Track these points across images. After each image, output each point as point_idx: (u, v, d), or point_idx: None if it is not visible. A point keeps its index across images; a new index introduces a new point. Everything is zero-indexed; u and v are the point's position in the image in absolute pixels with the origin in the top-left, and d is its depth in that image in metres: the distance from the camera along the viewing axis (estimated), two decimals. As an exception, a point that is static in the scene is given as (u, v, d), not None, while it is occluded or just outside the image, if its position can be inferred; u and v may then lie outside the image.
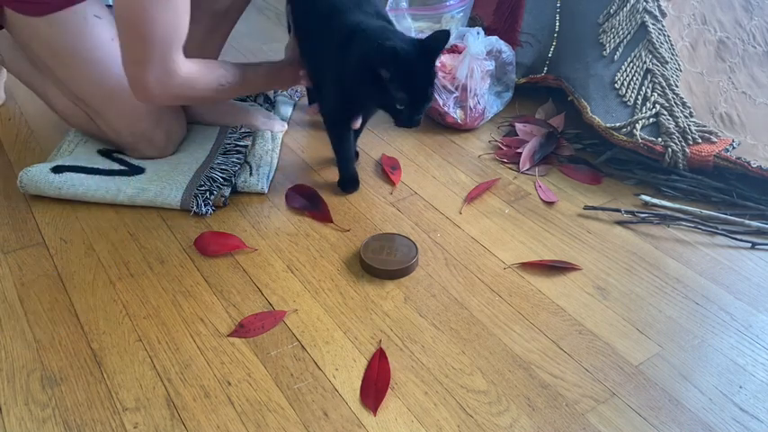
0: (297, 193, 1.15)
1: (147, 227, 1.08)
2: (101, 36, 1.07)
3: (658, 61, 1.24)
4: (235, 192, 1.16)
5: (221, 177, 1.14)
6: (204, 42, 1.20)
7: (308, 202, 1.14)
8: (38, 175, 1.11)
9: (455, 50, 1.38)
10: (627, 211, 1.11)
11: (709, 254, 1.04)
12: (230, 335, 0.89)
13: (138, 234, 1.07)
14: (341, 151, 1.16)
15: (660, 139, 1.17)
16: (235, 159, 1.18)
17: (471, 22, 1.53)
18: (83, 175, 1.12)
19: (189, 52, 1.17)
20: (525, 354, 0.87)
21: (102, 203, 1.12)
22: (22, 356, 0.86)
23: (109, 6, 1.19)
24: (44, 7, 1.02)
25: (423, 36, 1.47)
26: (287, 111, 1.41)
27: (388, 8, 1.48)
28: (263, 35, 1.80)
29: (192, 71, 1.00)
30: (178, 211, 1.12)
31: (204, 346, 0.88)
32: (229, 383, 0.82)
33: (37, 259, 1.01)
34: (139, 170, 1.15)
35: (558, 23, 1.41)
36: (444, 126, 1.37)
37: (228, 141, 1.23)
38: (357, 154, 1.24)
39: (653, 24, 1.27)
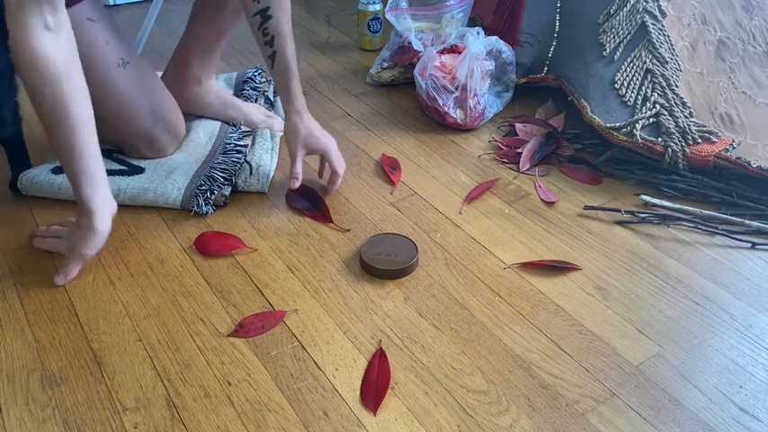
0: (297, 193, 1.15)
1: (147, 227, 1.08)
2: (94, 39, 1.07)
3: (658, 61, 1.24)
4: (235, 192, 1.16)
5: (221, 177, 1.14)
6: (210, 44, 1.20)
7: (308, 202, 1.14)
8: (38, 176, 1.11)
9: (455, 50, 1.38)
10: (627, 211, 1.11)
11: (709, 254, 1.04)
12: (230, 335, 0.89)
13: (138, 234, 1.07)
14: None
15: (660, 139, 1.17)
16: (235, 159, 1.18)
17: (471, 22, 1.53)
18: (83, 175, 1.12)
19: (192, 49, 1.17)
20: (525, 354, 0.87)
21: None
22: (22, 356, 0.86)
23: (108, 7, 1.19)
24: None
25: (424, 36, 1.47)
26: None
27: (387, 8, 1.48)
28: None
29: (55, 57, 0.86)
30: (178, 211, 1.12)
31: (204, 346, 0.88)
32: (229, 383, 0.82)
33: (37, 259, 1.01)
34: (139, 170, 1.15)
35: (558, 23, 1.41)
36: (444, 126, 1.37)
37: (228, 141, 1.23)
38: None
39: (653, 24, 1.27)
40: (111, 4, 1.90)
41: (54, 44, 0.87)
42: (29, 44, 0.85)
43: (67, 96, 0.88)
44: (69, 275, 0.97)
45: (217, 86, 1.29)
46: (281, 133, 1.32)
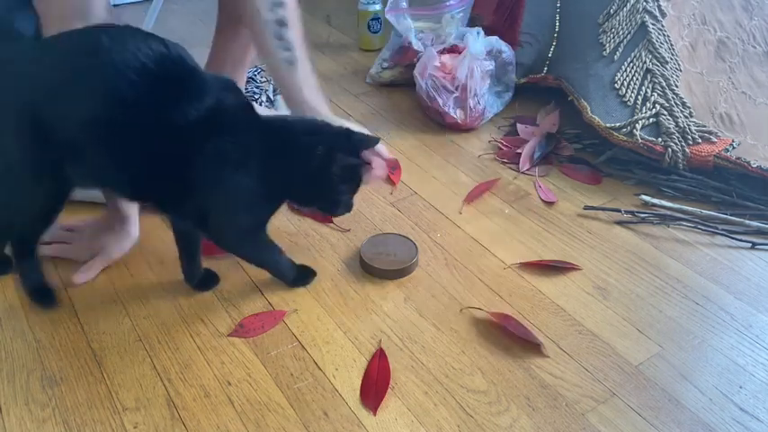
0: (297, 193, 1.15)
1: (147, 227, 1.08)
2: None
3: (658, 61, 1.24)
4: (235, 192, 1.16)
5: (221, 177, 1.14)
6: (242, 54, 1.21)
7: (308, 202, 1.14)
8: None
9: (455, 50, 1.38)
10: (627, 211, 1.11)
11: (709, 254, 1.04)
12: (230, 335, 0.89)
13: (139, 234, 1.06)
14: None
15: (660, 139, 1.17)
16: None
17: (471, 22, 1.53)
18: (83, 175, 1.12)
19: (223, 66, 1.18)
20: (525, 354, 0.87)
21: (102, 204, 1.12)
22: (22, 356, 0.86)
23: (114, 6, 1.17)
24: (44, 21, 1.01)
25: (424, 36, 1.47)
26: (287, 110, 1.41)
27: (387, 8, 1.48)
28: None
29: None
30: (178, 211, 1.12)
31: (204, 346, 0.88)
32: (229, 383, 0.82)
33: (37, 259, 1.01)
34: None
35: (557, 23, 1.41)
36: (444, 126, 1.37)
37: (228, 141, 1.23)
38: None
39: (653, 24, 1.27)
40: (112, 4, 1.90)
41: None
42: None
43: None
44: (90, 274, 0.97)
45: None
46: None
